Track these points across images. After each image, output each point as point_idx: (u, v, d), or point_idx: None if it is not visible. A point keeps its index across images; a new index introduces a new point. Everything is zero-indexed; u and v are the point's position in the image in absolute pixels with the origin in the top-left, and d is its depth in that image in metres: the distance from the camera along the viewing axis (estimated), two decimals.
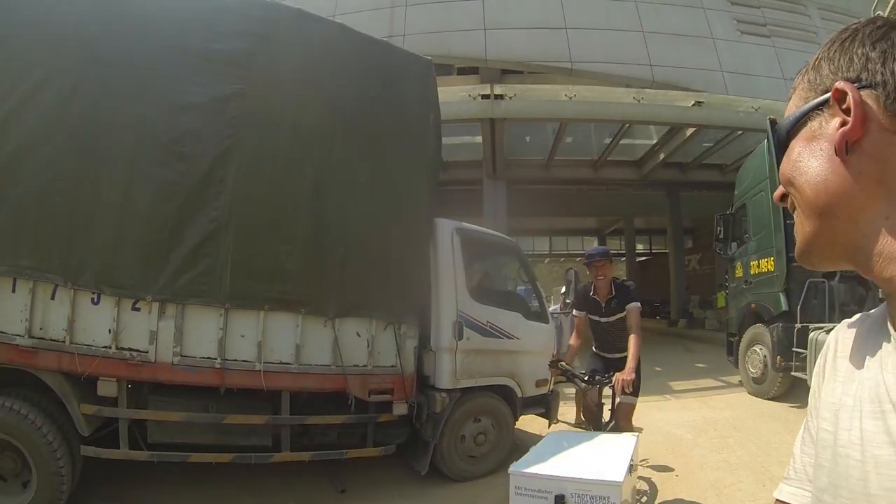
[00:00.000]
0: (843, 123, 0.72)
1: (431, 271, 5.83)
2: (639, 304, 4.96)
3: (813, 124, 0.77)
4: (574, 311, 5.35)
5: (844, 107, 0.72)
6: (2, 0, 4.86)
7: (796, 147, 0.80)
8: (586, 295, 5.24)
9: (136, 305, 4.59)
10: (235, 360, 4.81)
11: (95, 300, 4.56)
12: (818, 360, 0.95)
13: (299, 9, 5.60)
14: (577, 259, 41.53)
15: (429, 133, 5.96)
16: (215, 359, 4.74)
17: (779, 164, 0.84)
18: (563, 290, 8.25)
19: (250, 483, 5.55)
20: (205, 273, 4.66)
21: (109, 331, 4.53)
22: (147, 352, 4.57)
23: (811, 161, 0.77)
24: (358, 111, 5.50)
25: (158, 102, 4.78)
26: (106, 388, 4.57)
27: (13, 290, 4.50)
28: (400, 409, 5.48)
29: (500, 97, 13.66)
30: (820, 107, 0.77)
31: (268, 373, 4.81)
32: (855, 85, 0.72)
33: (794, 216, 0.83)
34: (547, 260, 40.55)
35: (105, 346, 4.53)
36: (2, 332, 4.47)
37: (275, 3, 5.52)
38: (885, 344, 0.79)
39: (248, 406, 5.05)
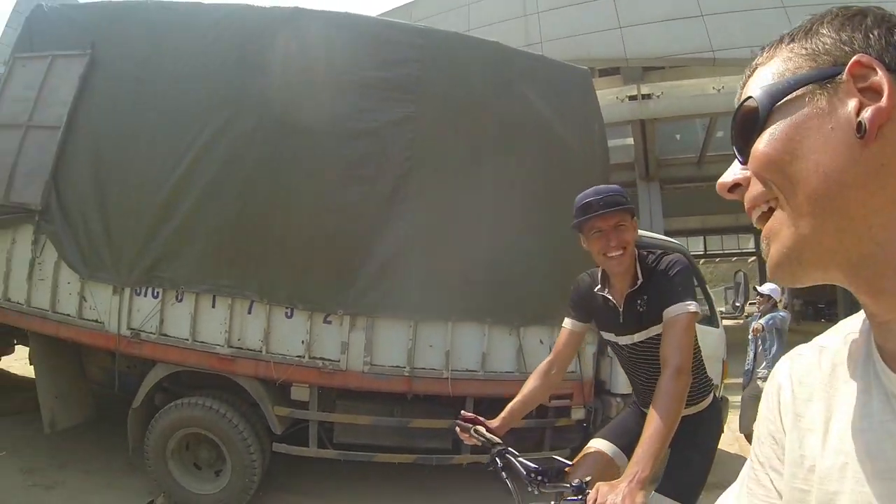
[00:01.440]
0: (862, 105, 0.60)
1: None
2: (692, 307, 2.35)
3: (817, 100, 0.63)
4: (565, 321, 2.78)
5: (864, 85, 0.61)
6: (188, 44, 5.49)
7: (785, 125, 0.65)
8: (589, 292, 2.69)
9: (328, 319, 4.91)
10: (423, 368, 5.03)
11: (289, 314, 4.96)
12: (766, 401, 0.82)
13: (456, 32, 5.92)
14: (734, 259, 39.59)
15: (595, 142, 5.94)
16: (404, 367, 4.98)
17: (739, 146, 0.71)
18: (734, 296, 7.76)
19: (426, 484, 5.76)
20: (393, 288, 4.89)
21: (302, 342, 4.90)
22: (338, 361, 4.88)
23: (820, 144, 0.62)
24: (525, 125, 5.57)
25: (337, 130, 5.13)
26: (299, 392, 4.98)
27: (213, 306, 5.01)
28: (578, 413, 5.51)
29: (647, 97, 13.54)
30: (824, 80, 0.64)
31: (455, 380, 4.98)
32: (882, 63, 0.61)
33: (758, 220, 0.70)
34: (702, 261, 38.42)
35: (298, 356, 4.91)
36: (204, 343, 4.99)
37: (433, 29, 5.84)
38: (874, 387, 0.66)
39: (431, 411, 5.24)
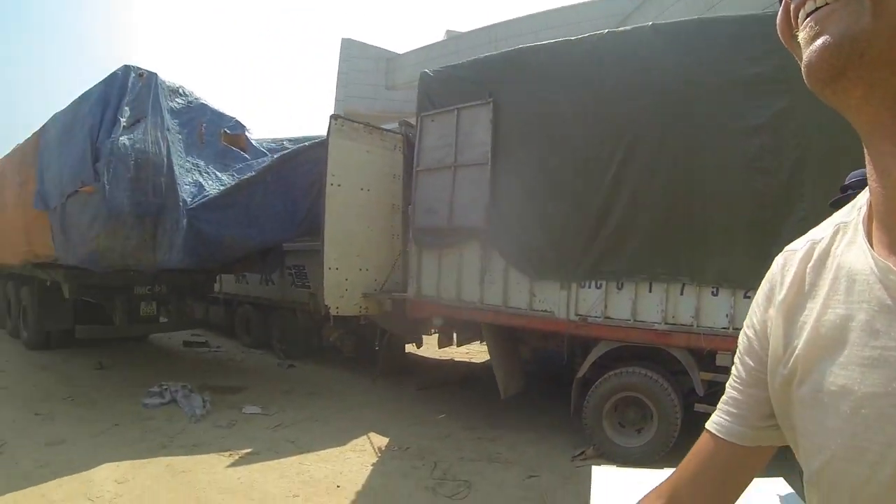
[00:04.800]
0: None
1: None
2: None
3: None
4: None
5: None
6: (575, 75, 7.02)
7: None
8: None
9: (748, 294, 5.92)
10: None
11: (715, 293, 6.25)
12: (758, 296, 0.97)
13: None
14: None
15: None
16: None
17: None
18: None
19: None
20: None
21: (726, 315, 6.15)
22: None
23: None
24: None
25: (733, 128, 6.06)
26: (723, 359, 6.20)
27: (650, 291, 6.58)
28: None
29: None
30: None
31: None
32: None
33: (813, 12, 0.68)
34: None
35: (723, 328, 6.16)
36: (643, 321, 6.56)
37: None
38: (857, 272, 0.74)
39: None
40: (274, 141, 10.67)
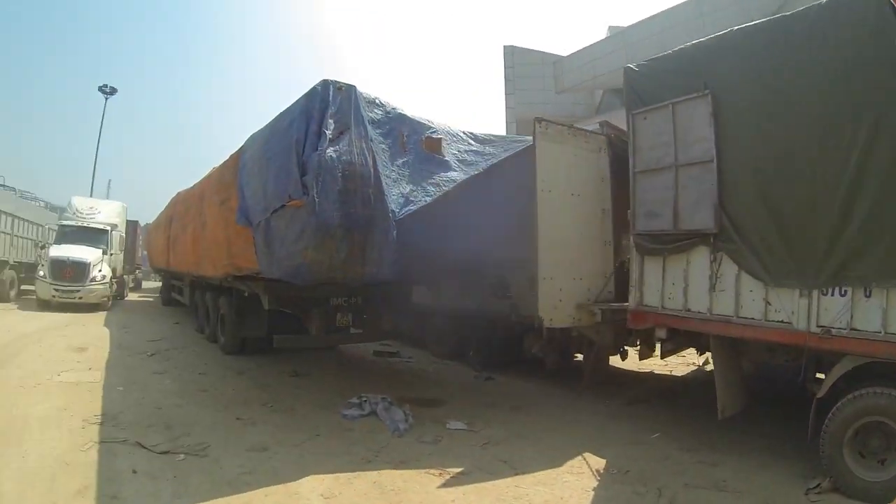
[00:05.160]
0: None
1: None
2: None
3: None
4: None
5: None
6: (799, 54, 6.52)
7: None
8: None
9: None
10: None
11: None
12: None
13: None
14: None
15: None
16: None
17: None
18: None
19: None
20: None
21: None
22: None
23: None
24: None
25: None
26: None
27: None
28: None
29: None
30: None
31: None
32: None
33: None
34: None
35: None
36: (892, 333, 5.84)
37: None
38: None
39: None
40: (472, 134, 10.41)
